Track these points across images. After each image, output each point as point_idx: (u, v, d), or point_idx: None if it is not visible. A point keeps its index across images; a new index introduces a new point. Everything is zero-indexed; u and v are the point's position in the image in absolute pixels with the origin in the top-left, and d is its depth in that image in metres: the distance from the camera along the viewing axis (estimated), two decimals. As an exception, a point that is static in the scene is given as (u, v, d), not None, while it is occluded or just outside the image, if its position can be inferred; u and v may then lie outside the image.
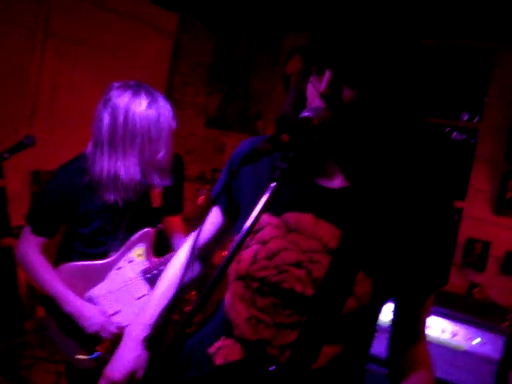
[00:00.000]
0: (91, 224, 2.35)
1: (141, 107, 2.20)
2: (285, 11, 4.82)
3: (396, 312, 1.41)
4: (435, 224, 1.28)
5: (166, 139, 2.28)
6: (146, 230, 2.37)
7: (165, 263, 2.29)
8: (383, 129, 1.22)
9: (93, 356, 2.34)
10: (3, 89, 3.99)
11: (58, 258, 2.47)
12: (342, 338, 1.30)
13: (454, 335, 3.31)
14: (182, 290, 1.70)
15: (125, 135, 2.19)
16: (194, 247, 1.61)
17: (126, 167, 2.22)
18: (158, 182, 2.32)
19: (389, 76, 1.17)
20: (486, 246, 4.37)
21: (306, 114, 1.14)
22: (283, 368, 1.29)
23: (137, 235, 2.36)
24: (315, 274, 1.26)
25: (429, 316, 1.40)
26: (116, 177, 2.23)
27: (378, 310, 1.37)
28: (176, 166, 2.48)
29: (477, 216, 4.45)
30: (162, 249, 2.48)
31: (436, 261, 1.31)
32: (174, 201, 2.57)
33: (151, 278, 2.34)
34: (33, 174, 4.19)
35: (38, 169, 4.14)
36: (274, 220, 1.34)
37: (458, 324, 3.33)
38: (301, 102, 1.29)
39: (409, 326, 1.39)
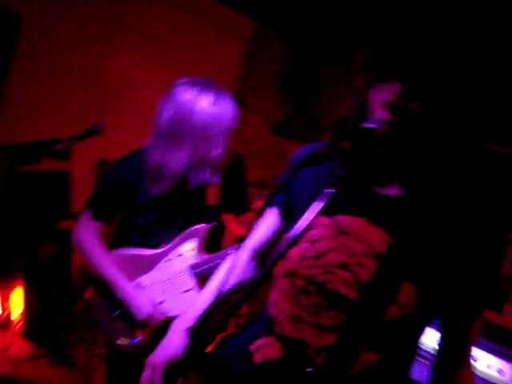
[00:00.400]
0: (146, 215, 2.40)
1: (205, 104, 2.21)
2: (359, 27, 4.79)
3: (441, 335, 1.38)
4: (486, 247, 1.25)
5: (223, 138, 2.27)
6: (199, 225, 2.39)
7: (213, 261, 2.32)
8: (444, 144, 1.21)
9: (134, 342, 2.39)
10: (78, 78, 4.16)
11: (111, 245, 2.54)
12: (380, 346, 1.28)
13: (501, 372, 3.17)
14: (234, 290, 1.70)
15: (184, 129, 2.21)
16: (250, 249, 1.63)
17: (172, 160, 2.25)
18: (208, 178, 2.32)
19: (459, 95, 1.16)
20: None
21: (370, 125, 1.14)
22: (320, 370, 1.28)
23: (189, 230, 2.39)
24: (361, 277, 1.26)
25: (475, 345, 1.36)
26: (160, 168, 2.27)
27: (421, 326, 1.35)
28: (235, 167, 2.49)
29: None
30: (213, 246, 2.49)
31: (482, 284, 1.28)
32: (230, 200, 2.56)
33: (198, 273, 2.37)
34: (98, 163, 4.34)
35: (103, 158, 4.28)
36: (326, 221, 1.35)
37: (506, 361, 3.18)
38: (363, 110, 1.30)
39: (453, 350, 1.36)
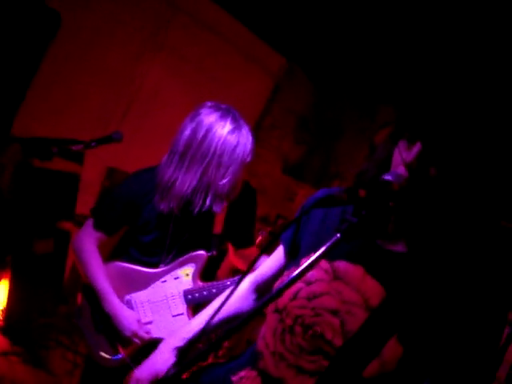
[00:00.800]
0: (151, 233, 2.40)
1: (223, 130, 2.23)
2: (386, 84, 4.85)
3: None
4: (485, 326, 1.24)
5: (235, 168, 2.27)
6: (200, 252, 2.39)
7: (207, 289, 2.32)
8: (457, 214, 1.21)
9: (115, 357, 2.37)
10: (106, 84, 4.21)
11: (111, 256, 2.54)
12: None
13: None
14: (229, 319, 1.68)
15: (197, 151, 2.22)
16: (252, 282, 1.64)
17: (181, 180, 2.25)
18: (213, 206, 2.30)
19: (481, 170, 1.16)
20: None
21: (388, 177, 1.14)
22: None
23: (190, 255, 2.39)
24: (349, 326, 1.25)
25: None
26: (169, 185, 2.28)
27: None
28: (247, 199, 2.50)
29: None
30: (209, 274, 2.49)
31: (474, 362, 1.25)
32: (235, 231, 2.54)
33: (191, 299, 2.36)
34: (108, 170, 4.35)
35: (115, 166, 4.30)
36: (325, 264, 1.34)
37: None
38: (385, 163, 1.31)
39: None
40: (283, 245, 1.59)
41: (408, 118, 1.27)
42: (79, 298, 2.53)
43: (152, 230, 2.39)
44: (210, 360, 1.68)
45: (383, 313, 1.23)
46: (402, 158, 1.21)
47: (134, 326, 2.32)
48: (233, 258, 2.69)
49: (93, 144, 2.43)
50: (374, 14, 4.04)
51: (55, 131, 3.05)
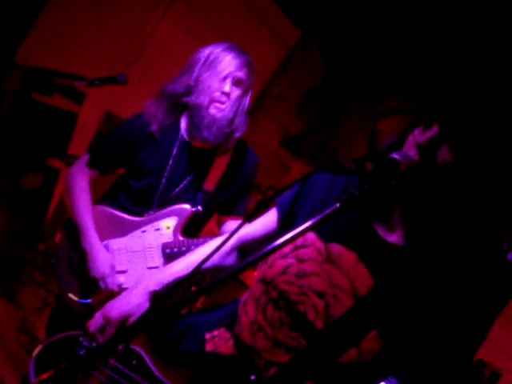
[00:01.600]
0: (144, 179, 2.38)
1: (217, 46, 2.32)
2: (397, 74, 4.82)
3: None
4: (471, 333, 1.23)
5: (221, 78, 2.27)
6: (184, 205, 2.34)
7: (186, 245, 2.28)
8: (462, 204, 1.20)
9: (82, 301, 2.34)
10: (118, 28, 4.13)
11: (101, 199, 2.53)
12: None
13: None
14: (208, 270, 1.66)
15: (192, 59, 2.34)
16: (237, 239, 1.61)
17: (176, 84, 2.35)
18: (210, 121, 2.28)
19: (493, 163, 1.15)
20: (496, 375, 4.17)
21: (396, 156, 1.13)
22: (263, 382, 1.27)
23: (173, 207, 2.35)
24: (332, 310, 1.25)
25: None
26: (165, 91, 2.37)
27: (375, 379, 1.32)
28: (246, 163, 2.47)
29: (498, 342, 4.26)
30: (193, 232, 2.44)
31: (455, 366, 1.24)
32: (225, 194, 2.49)
33: (169, 254, 2.31)
34: (107, 115, 4.31)
35: (113, 112, 4.24)
36: (320, 244, 1.33)
37: None
38: (398, 144, 1.29)
39: None
40: (278, 209, 1.55)
41: (429, 101, 1.25)
42: (58, 237, 2.51)
43: (145, 176, 2.37)
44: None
45: (369, 304, 1.23)
46: (415, 139, 1.21)
47: (106, 270, 2.29)
48: (213, 223, 2.66)
49: (96, 82, 2.37)
50: (393, 3, 3.99)
51: (60, 66, 2.99)
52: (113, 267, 2.33)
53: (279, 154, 5.91)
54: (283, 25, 5.17)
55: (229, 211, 2.53)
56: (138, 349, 1.42)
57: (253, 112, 5.89)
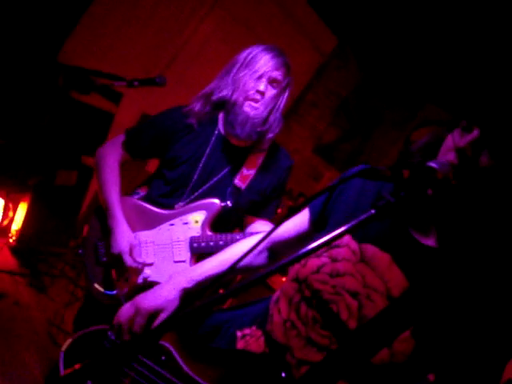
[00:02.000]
0: (178, 168, 2.38)
1: (256, 47, 2.33)
2: (434, 84, 4.76)
3: None
4: (500, 334, 1.21)
5: (256, 78, 2.28)
6: (214, 200, 2.33)
7: (215, 240, 2.27)
8: (501, 211, 1.18)
9: (108, 292, 2.36)
10: (157, 32, 4.20)
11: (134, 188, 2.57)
12: None
13: None
14: (239, 270, 1.67)
15: (231, 62, 2.36)
16: (269, 238, 1.60)
17: (219, 85, 2.36)
18: (245, 118, 2.29)
19: None
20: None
21: (434, 164, 1.11)
22: (293, 381, 1.27)
23: (203, 201, 2.34)
24: (365, 311, 1.24)
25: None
26: (209, 93, 2.38)
27: (407, 381, 1.30)
28: (281, 165, 2.47)
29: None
30: (221, 227, 2.41)
31: (483, 370, 1.22)
32: (258, 201, 2.46)
33: (196, 248, 2.30)
34: (142, 116, 4.37)
35: (149, 113, 4.30)
36: (354, 245, 1.33)
37: None
38: (433, 148, 1.28)
39: None
40: (310, 211, 1.55)
41: (469, 105, 1.23)
42: (85, 230, 2.54)
43: (180, 164, 2.37)
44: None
45: (403, 305, 1.22)
46: (455, 143, 1.18)
47: (124, 246, 2.29)
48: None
49: (135, 83, 2.39)
50: (432, 13, 3.95)
51: (99, 66, 3.05)
52: (132, 246, 2.32)
53: (312, 161, 5.90)
54: (321, 32, 5.17)
55: (257, 212, 2.51)
56: (167, 345, 1.43)
57: (287, 118, 5.90)
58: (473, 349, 1.22)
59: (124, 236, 2.31)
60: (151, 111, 4.25)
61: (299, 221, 1.58)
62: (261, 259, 1.66)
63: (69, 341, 1.52)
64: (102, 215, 2.44)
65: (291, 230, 1.59)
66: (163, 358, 1.41)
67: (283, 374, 1.28)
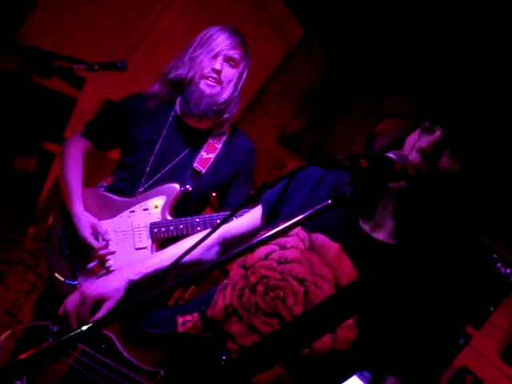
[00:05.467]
0: (135, 152, 2.37)
1: (212, 28, 2.33)
2: (398, 76, 4.81)
3: None
4: (448, 335, 1.24)
5: (211, 56, 2.27)
6: (173, 184, 2.32)
7: (175, 224, 2.26)
8: (454, 213, 1.20)
9: (68, 281, 2.33)
10: (120, 15, 4.12)
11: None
12: (297, 370, 1.26)
13: None
14: (188, 264, 1.65)
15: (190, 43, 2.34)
16: (220, 233, 1.61)
17: (177, 64, 2.35)
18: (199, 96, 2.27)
19: (493, 176, 1.15)
20: (478, 382, 4.22)
21: (391, 155, 1.13)
22: (232, 365, 1.27)
23: (162, 186, 2.33)
24: (312, 296, 1.25)
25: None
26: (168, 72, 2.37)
27: (348, 371, 1.32)
28: (247, 157, 2.45)
29: (482, 350, 4.29)
30: (184, 212, 2.40)
31: (425, 361, 1.24)
32: (221, 186, 2.45)
33: (157, 233, 2.29)
34: (105, 102, 4.29)
35: (112, 99, 4.23)
36: (303, 234, 1.33)
37: None
38: (395, 146, 1.28)
39: None
40: (263, 206, 1.55)
41: (432, 107, 1.24)
42: (50, 220, 2.50)
43: (137, 148, 2.36)
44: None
45: (350, 293, 1.23)
46: (418, 144, 1.19)
47: (87, 231, 2.27)
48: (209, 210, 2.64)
49: (96, 67, 2.34)
50: (398, 4, 3.98)
51: (60, 49, 2.97)
52: (94, 226, 2.30)
53: (275, 150, 5.91)
54: (288, 21, 5.15)
55: (226, 202, 2.49)
56: (108, 333, 1.41)
57: (251, 106, 5.89)
58: (416, 341, 1.23)
59: (84, 220, 2.29)
60: (115, 97, 4.17)
61: (252, 217, 1.59)
62: (211, 255, 1.65)
63: (6, 333, 1.50)
64: (66, 208, 2.40)
65: (244, 226, 1.60)
66: (103, 345, 1.40)
67: (224, 357, 1.28)
